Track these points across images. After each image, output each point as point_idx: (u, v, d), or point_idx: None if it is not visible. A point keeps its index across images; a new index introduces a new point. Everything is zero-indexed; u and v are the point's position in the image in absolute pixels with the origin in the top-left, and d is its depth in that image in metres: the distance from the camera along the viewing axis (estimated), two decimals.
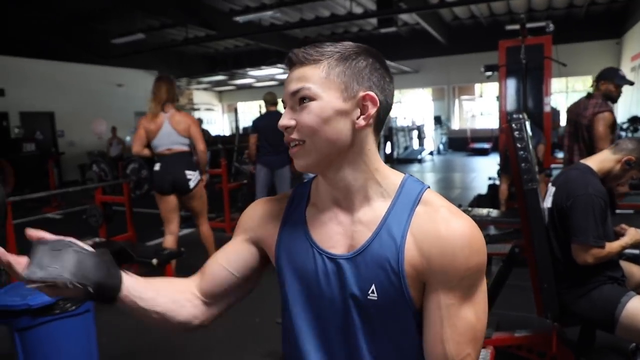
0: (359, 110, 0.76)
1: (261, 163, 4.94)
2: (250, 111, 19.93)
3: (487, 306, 0.77)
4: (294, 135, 0.76)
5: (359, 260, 0.76)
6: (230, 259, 0.88)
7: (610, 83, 3.49)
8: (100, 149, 11.71)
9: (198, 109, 20.48)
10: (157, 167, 3.59)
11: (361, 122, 0.76)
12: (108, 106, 12.66)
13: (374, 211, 0.78)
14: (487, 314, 0.77)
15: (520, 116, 1.88)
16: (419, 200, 0.77)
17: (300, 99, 0.75)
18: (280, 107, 4.90)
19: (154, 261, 3.17)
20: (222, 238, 5.12)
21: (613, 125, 3.37)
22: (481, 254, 0.74)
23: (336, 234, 0.80)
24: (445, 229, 0.73)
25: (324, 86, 0.74)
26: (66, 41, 11.45)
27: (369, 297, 0.75)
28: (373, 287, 0.74)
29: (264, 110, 5.14)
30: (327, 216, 0.82)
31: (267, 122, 4.79)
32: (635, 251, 3.18)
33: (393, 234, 0.75)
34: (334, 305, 0.78)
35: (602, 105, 3.37)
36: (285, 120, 0.76)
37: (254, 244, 0.89)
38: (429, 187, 0.80)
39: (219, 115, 22.19)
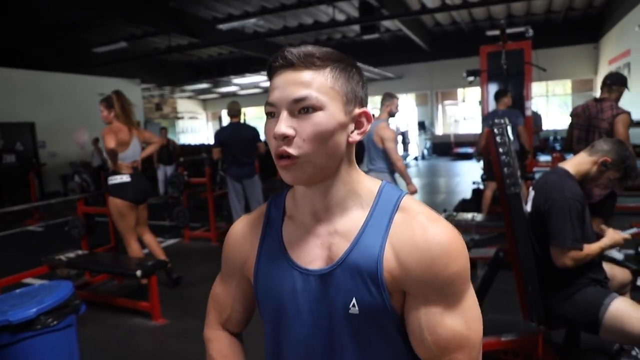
0: (353, 124, 0.75)
1: (230, 176, 4.79)
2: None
3: (479, 311, 0.75)
4: (292, 149, 0.70)
5: (338, 273, 0.74)
6: (239, 299, 0.92)
7: (622, 87, 3.58)
8: (83, 159, 11.54)
9: (182, 118, 20.35)
10: (126, 178, 3.61)
11: (356, 137, 0.75)
12: (90, 116, 12.42)
13: (351, 222, 0.76)
14: (481, 317, 0.75)
15: (502, 121, 1.91)
16: (397, 208, 0.75)
17: (304, 107, 0.70)
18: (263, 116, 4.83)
19: (138, 273, 3.12)
20: (209, 248, 5.12)
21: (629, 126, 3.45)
22: (461, 260, 0.71)
23: (314, 247, 0.77)
24: (421, 236, 0.71)
25: (329, 96, 0.71)
26: (47, 50, 11.30)
27: (350, 310, 0.73)
28: (354, 300, 0.72)
29: (225, 121, 4.97)
30: (304, 229, 0.79)
31: (229, 134, 4.64)
32: (618, 255, 3.25)
33: (371, 244, 0.73)
34: (316, 323, 0.76)
35: (618, 107, 3.46)
36: (284, 128, 0.69)
37: (245, 278, 0.89)
38: (407, 194, 0.79)
39: (203, 123, 22.07)
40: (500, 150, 1.91)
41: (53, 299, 2.11)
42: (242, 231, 0.88)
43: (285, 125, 0.69)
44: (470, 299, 0.74)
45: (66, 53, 11.66)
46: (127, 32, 11.08)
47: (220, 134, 4.78)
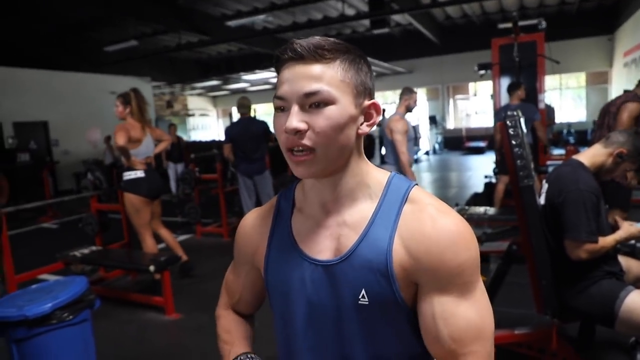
0: (363, 116, 0.75)
1: (240, 172, 4.78)
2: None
3: (489, 302, 0.75)
4: (305, 141, 0.69)
5: (347, 264, 0.74)
6: (248, 287, 0.95)
7: None
8: (96, 157, 11.66)
9: (193, 115, 20.46)
10: (140, 173, 3.66)
11: (365, 129, 0.75)
12: (102, 114, 12.59)
13: (360, 213, 0.76)
14: (491, 310, 0.75)
15: (515, 113, 1.88)
16: (406, 199, 0.75)
17: (315, 101, 0.69)
18: (270, 111, 4.84)
19: (152, 268, 3.15)
20: (220, 243, 5.14)
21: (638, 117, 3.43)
22: (471, 250, 0.71)
23: (323, 238, 0.78)
24: (431, 227, 0.71)
25: (340, 89, 0.70)
26: (59, 50, 11.43)
27: (359, 302, 0.73)
28: (363, 291, 0.72)
29: (236, 116, 4.93)
30: (313, 221, 0.80)
31: (240, 130, 4.62)
32: (632, 242, 3.20)
33: (380, 236, 0.73)
34: (326, 313, 0.77)
35: (634, 97, 3.50)
36: (296, 123, 0.68)
37: (255, 268, 0.91)
38: (416, 184, 0.79)
39: (213, 120, 22.17)
40: (513, 142, 1.89)
41: (68, 294, 2.13)
42: (252, 223, 0.90)
43: (297, 119, 0.69)
44: (481, 290, 0.74)
45: (77, 52, 11.78)
46: (138, 30, 11.15)
47: (230, 130, 4.78)
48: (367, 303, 0.73)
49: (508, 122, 1.90)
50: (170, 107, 18.60)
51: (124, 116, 3.70)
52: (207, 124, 21.79)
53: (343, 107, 0.70)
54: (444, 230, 0.70)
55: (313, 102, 0.69)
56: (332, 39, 0.73)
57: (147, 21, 10.30)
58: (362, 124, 0.75)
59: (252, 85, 17.12)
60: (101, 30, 11.11)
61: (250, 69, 13.94)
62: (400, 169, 4.03)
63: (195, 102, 20.63)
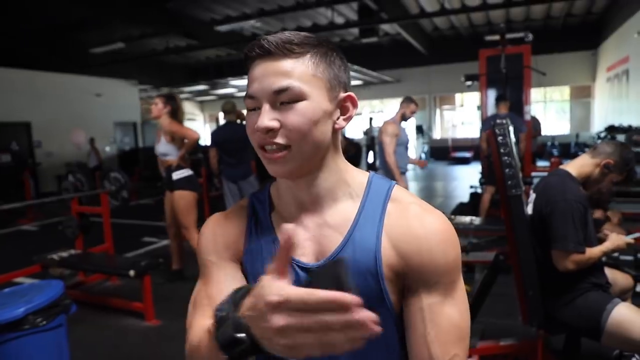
0: (339, 110, 0.72)
1: (225, 177, 4.73)
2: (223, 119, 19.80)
3: (467, 303, 0.74)
4: (278, 140, 0.67)
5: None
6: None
7: None
8: (79, 160, 11.48)
9: None
10: (190, 171, 3.77)
11: (342, 123, 0.73)
12: (87, 116, 12.44)
13: (342, 213, 0.74)
14: (469, 312, 0.74)
15: (504, 121, 1.87)
16: (389, 198, 0.74)
17: (285, 98, 0.67)
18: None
19: (132, 273, 3.07)
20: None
21: None
22: (457, 247, 0.71)
23: (304, 240, 0.74)
24: (419, 226, 0.70)
25: (311, 84, 0.68)
26: (43, 50, 11.24)
27: None
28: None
29: (222, 120, 4.88)
30: (291, 222, 0.76)
31: (223, 135, 4.60)
32: (616, 254, 3.22)
33: (367, 236, 0.71)
34: None
35: None
36: (267, 121, 0.66)
37: (235, 269, 0.80)
38: (396, 184, 0.77)
39: (200, 125, 22.02)
40: (502, 150, 1.88)
41: (42, 299, 2.06)
42: (223, 221, 0.82)
43: (268, 118, 0.67)
44: (462, 288, 0.73)
45: (63, 53, 11.60)
46: (125, 33, 11.03)
47: (215, 135, 4.74)
48: None
49: (497, 131, 1.89)
50: None
51: (160, 114, 3.71)
52: (193, 128, 21.63)
53: (316, 102, 0.68)
54: (432, 229, 0.70)
55: (284, 99, 0.67)
56: (302, 33, 0.70)
57: (135, 24, 10.20)
58: (338, 118, 0.72)
59: (240, 90, 17.05)
60: (88, 31, 10.96)
61: (239, 74, 13.88)
62: (387, 171, 4.04)
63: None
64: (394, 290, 0.71)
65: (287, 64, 0.67)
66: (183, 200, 3.71)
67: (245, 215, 0.81)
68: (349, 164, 0.78)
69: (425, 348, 0.69)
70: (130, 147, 14.29)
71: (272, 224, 0.78)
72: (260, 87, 0.68)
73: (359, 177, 0.78)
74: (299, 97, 0.67)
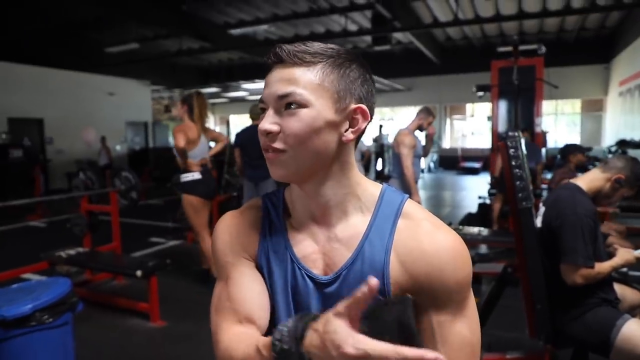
0: (348, 122, 0.72)
1: (246, 177, 4.82)
2: (242, 124, 19.90)
3: (478, 319, 0.73)
4: (276, 144, 0.69)
5: (340, 282, 0.71)
6: (257, 290, 0.77)
7: None
8: (90, 158, 11.57)
9: None
10: (197, 175, 3.70)
11: (350, 135, 0.72)
12: (99, 114, 12.56)
13: (352, 227, 0.74)
14: (479, 325, 0.73)
15: (516, 134, 1.86)
16: (400, 213, 0.73)
17: (288, 104, 0.68)
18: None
19: (138, 273, 3.08)
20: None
21: None
22: (467, 266, 0.70)
23: (313, 252, 0.74)
24: (429, 243, 0.69)
25: (316, 93, 0.68)
26: (58, 48, 11.39)
27: None
28: None
29: (233, 124, 5.04)
30: (303, 231, 0.76)
31: (246, 136, 4.64)
32: (624, 269, 3.18)
33: (376, 252, 0.71)
34: None
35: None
36: (267, 125, 0.69)
37: (251, 264, 0.80)
38: (408, 197, 0.76)
39: (211, 127, 22.14)
40: (513, 163, 1.87)
41: (49, 296, 2.07)
42: (237, 219, 0.82)
43: (269, 122, 0.69)
44: (473, 306, 0.73)
45: (78, 51, 11.74)
46: (139, 33, 11.14)
47: (239, 136, 4.84)
48: None
49: (509, 143, 1.88)
50: (168, 112, 18.55)
51: (182, 115, 3.78)
52: (217, 131, 21.74)
53: (318, 111, 0.68)
54: (442, 247, 0.69)
55: (287, 104, 0.68)
56: (323, 44, 0.71)
57: (150, 25, 10.31)
58: (346, 130, 0.71)
59: (251, 94, 17.13)
60: (103, 31, 11.10)
61: (250, 78, 13.95)
62: (404, 184, 4.02)
63: None
64: None
65: (296, 71, 0.69)
66: (187, 203, 3.73)
67: (259, 217, 0.81)
68: (362, 176, 0.77)
69: None
70: (141, 147, 14.40)
71: (286, 229, 0.78)
72: (269, 92, 0.70)
73: (370, 189, 0.77)
74: (301, 104, 0.68)
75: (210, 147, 4.10)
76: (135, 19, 9.52)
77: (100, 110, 12.61)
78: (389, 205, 0.74)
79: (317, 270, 0.74)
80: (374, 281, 0.47)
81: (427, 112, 4.19)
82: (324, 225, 0.75)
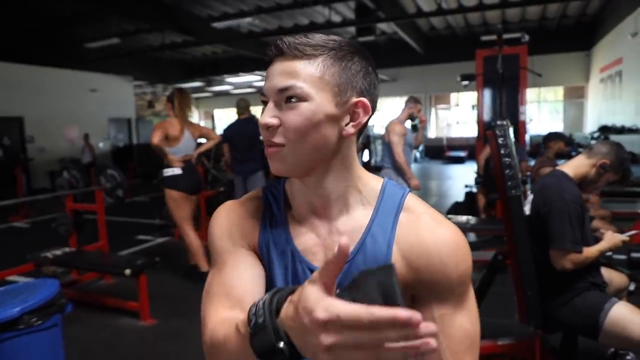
0: (349, 116, 0.71)
1: (235, 172, 4.86)
2: (227, 118, 19.75)
3: (477, 311, 0.74)
4: (276, 138, 0.68)
5: (342, 276, 0.69)
6: (255, 280, 0.75)
7: None
8: (73, 156, 11.39)
9: None
10: (177, 171, 3.72)
11: (350, 129, 0.71)
12: (81, 112, 12.35)
13: (353, 221, 0.73)
14: (479, 318, 0.74)
15: (504, 122, 1.87)
16: (402, 207, 0.73)
17: (288, 97, 0.67)
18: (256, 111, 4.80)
19: (127, 271, 3.05)
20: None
21: None
22: (468, 259, 0.71)
23: (314, 245, 0.74)
24: (430, 237, 0.70)
25: (317, 87, 0.67)
26: (37, 44, 11.13)
27: None
28: None
29: (217, 119, 5.07)
30: (304, 224, 0.76)
31: (235, 130, 4.69)
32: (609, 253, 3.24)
33: (378, 246, 0.71)
34: None
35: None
36: (268, 118, 0.68)
37: (251, 252, 0.78)
38: (409, 191, 0.76)
39: (195, 122, 21.95)
40: (502, 151, 1.88)
41: (38, 298, 2.03)
42: (237, 208, 0.81)
43: (269, 115, 0.68)
44: (472, 298, 0.73)
45: (58, 48, 11.49)
46: (121, 28, 10.95)
47: (227, 130, 4.85)
48: None
49: (497, 132, 1.89)
50: (151, 107, 18.32)
51: (168, 112, 3.86)
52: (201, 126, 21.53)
53: (318, 104, 0.67)
54: (443, 241, 0.70)
55: (287, 98, 0.67)
56: (325, 36, 0.70)
57: (131, 19, 10.12)
58: (347, 124, 0.70)
59: (236, 87, 17.03)
60: (83, 26, 10.87)
61: (235, 71, 13.86)
62: (399, 171, 4.05)
63: None
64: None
65: (297, 64, 0.68)
66: (169, 197, 3.78)
67: (259, 208, 0.80)
68: (364, 170, 0.77)
69: (438, 358, 0.69)
70: (124, 144, 14.21)
71: (287, 221, 0.77)
72: (269, 85, 0.69)
73: (372, 183, 0.76)
74: (301, 98, 0.67)
75: (198, 144, 4.10)
76: (116, 13, 9.33)
77: (82, 107, 12.39)
78: (391, 199, 0.74)
79: (318, 263, 0.73)
80: (345, 243, 0.45)
81: (414, 100, 4.24)
82: (325, 218, 0.74)
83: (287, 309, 0.50)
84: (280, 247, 0.76)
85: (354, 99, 0.70)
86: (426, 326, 0.40)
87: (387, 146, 4.13)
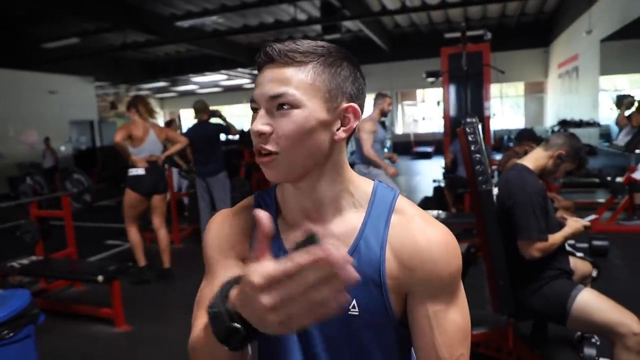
0: (340, 121, 0.72)
1: (197, 174, 4.84)
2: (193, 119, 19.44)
3: (467, 305, 0.77)
4: (269, 146, 0.68)
5: None
6: None
7: None
8: (33, 160, 10.96)
9: None
10: (141, 171, 3.80)
11: (341, 134, 0.72)
12: (40, 114, 11.89)
13: (346, 223, 0.75)
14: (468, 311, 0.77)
15: (474, 120, 1.94)
16: (393, 209, 0.76)
17: (280, 104, 0.68)
18: (247, 113, 4.75)
19: (100, 278, 2.98)
20: (171, 250, 4.99)
21: None
22: (458, 257, 0.74)
23: None
24: (422, 238, 0.72)
25: (308, 93, 0.68)
26: None
27: (350, 312, 0.72)
28: (354, 302, 0.72)
29: (184, 120, 5.03)
30: (296, 229, 0.76)
31: (195, 133, 4.66)
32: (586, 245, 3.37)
33: (372, 247, 0.73)
34: (315, 325, 0.74)
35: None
36: (260, 126, 0.68)
37: (239, 264, 0.81)
38: (399, 193, 0.79)
39: (160, 123, 21.48)
40: (472, 148, 1.95)
41: (8, 310, 1.98)
42: (229, 219, 0.82)
43: (261, 122, 0.68)
44: (462, 292, 0.77)
45: (12, 49, 11.01)
46: (80, 27, 10.59)
47: (187, 133, 4.76)
48: (357, 313, 0.72)
49: (467, 129, 1.96)
50: (114, 109, 17.83)
51: (131, 117, 3.93)
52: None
53: (310, 111, 0.68)
54: (434, 242, 0.72)
55: (279, 105, 0.68)
56: (313, 42, 0.71)
57: (89, 18, 9.80)
58: (338, 129, 0.72)
59: (202, 87, 16.77)
60: (39, 25, 10.46)
61: (200, 70, 13.65)
62: (370, 164, 4.10)
63: None
64: (397, 299, 0.73)
65: (288, 71, 0.68)
66: (125, 196, 3.89)
67: (250, 216, 0.80)
68: (354, 173, 0.79)
69: (434, 352, 0.72)
70: (87, 147, 13.78)
71: (278, 228, 0.78)
72: (260, 92, 0.70)
73: (363, 186, 0.78)
74: (293, 105, 0.67)
75: (165, 147, 4.10)
76: (72, 13, 9.00)
77: (41, 110, 11.93)
78: (382, 201, 0.76)
79: None
80: (261, 213, 0.49)
81: (382, 96, 4.34)
82: (319, 222, 0.75)
83: (234, 292, 0.54)
84: (272, 254, 0.77)
85: (344, 105, 0.72)
86: (341, 254, 0.45)
87: (358, 142, 4.20)
